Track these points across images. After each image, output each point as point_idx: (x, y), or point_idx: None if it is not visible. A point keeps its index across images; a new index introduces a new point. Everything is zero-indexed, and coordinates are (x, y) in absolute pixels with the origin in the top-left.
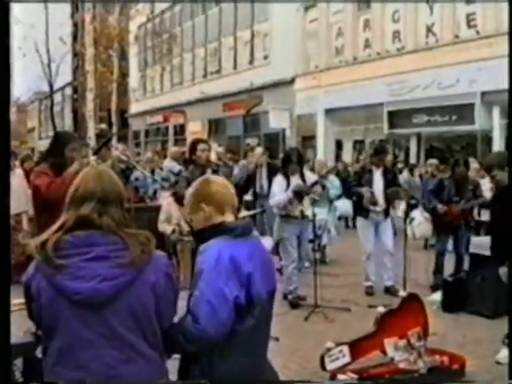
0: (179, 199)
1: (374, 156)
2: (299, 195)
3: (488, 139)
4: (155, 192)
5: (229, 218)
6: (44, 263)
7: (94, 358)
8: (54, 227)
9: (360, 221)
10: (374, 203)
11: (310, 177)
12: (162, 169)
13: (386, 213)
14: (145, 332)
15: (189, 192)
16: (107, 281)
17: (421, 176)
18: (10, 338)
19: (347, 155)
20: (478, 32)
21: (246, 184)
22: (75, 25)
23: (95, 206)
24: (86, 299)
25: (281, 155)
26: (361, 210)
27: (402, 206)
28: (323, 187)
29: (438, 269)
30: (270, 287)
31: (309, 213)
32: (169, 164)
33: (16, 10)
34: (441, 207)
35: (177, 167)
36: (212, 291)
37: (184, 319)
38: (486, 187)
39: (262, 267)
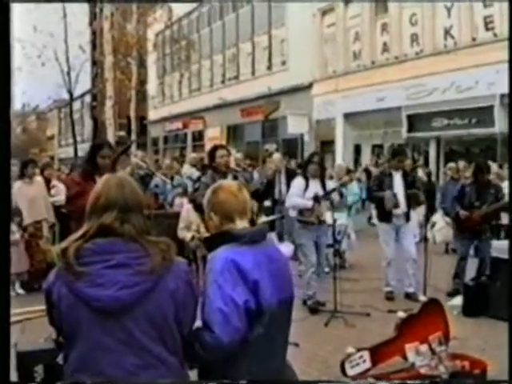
0: (198, 206)
1: (392, 159)
2: (317, 200)
3: (508, 142)
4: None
5: (240, 224)
6: (65, 270)
7: (113, 365)
8: (76, 235)
9: (381, 225)
10: (396, 205)
11: (330, 183)
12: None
13: (407, 216)
14: (164, 339)
15: (204, 201)
16: (127, 288)
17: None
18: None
19: (366, 160)
20: (495, 34)
21: (264, 190)
22: (94, 33)
23: (117, 215)
24: (105, 306)
25: (299, 160)
26: (383, 214)
27: (421, 210)
28: (341, 195)
29: (458, 274)
30: (282, 295)
31: (326, 218)
32: (187, 171)
33: (34, 18)
34: (463, 213)
35: (195, 174)
36: (221, 298)
37: (200, 328)
38: (506, 191)
39: (273, 275)
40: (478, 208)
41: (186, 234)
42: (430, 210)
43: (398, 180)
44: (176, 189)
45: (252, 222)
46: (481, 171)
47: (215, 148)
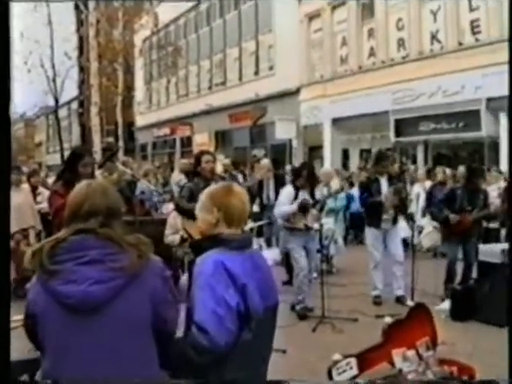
0: (182, 211)
1: (377, 164)
2: (304, 209)
3: (495, 146)
4: (155, 204)
5: (232, 230)
6: (39, 270)
7: (85, 366)
8: (50, 238)
9: (370, 230)
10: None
11: (319, 194)
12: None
13: (395, 220)
14: (138, 340)
15: (208, 191)
16: (99, 284)
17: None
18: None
19: (354, 164)
20: (479, 39)
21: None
22: (81, 39)
23: (100, 222)
24: (77, 303)
25: (287, 166)
26: (371, 219)
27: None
28: (321, 208)
29: (451, 279)
30: (268, 303)
31: (314, 225)
32: (176, 177)
33: (21, 25)
34: (453, 217)
35: (184, 180)
36: (214, 300)
37: (190, 332)
38: (493, 195)
39: (259, 282)
40: (468, 212)
41: (174, 238)
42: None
43: (384, 185)
44: (162, 196)
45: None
46: (474, 175)
47: (201, 153)
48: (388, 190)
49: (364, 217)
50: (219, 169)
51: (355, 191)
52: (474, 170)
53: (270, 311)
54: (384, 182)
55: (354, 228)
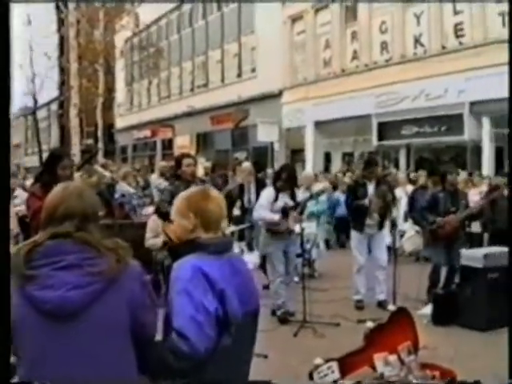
0: (162, 214)
1: (365, 169)
2: (285, 213)
3: (477, 150)
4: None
5: (210, 235)
6: (15, 274)
7: (63, 371)
8: (26, 242)
9: (355, 234)
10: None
11: (301, 196)
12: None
13: (380, 225)
14: (117, 344)
15: (184, 196)
16: (77, 289)
17: None
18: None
19: (336, 168)
20: (463, 43)
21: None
22: (61, 38)
23: (75, 225)
24: (54, 309)
25: (269, 170)
26: (356, 223)
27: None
28: (302, 211)
29: (435, 284)
30: (248, 308)
31: (295, 228)
32: (156, 181)
33: None
34: (440, 220)
35: (164, 184)
36: (193, 306)
37: (169, 338)
38: (473, 198)
39: (238, 287)
40: (453, 213)
41: (155, 241)
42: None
43: (371, 190)
44: (142, 199)
45: None
46: (447, 176)
47: (182, 156)
48: (372, 194)
49: (349, 220)
50: (200, 172)
51: (340, 195)
52: (444, 173)
53: (249, 316)
54: (371, 187)
55: (340, 232)
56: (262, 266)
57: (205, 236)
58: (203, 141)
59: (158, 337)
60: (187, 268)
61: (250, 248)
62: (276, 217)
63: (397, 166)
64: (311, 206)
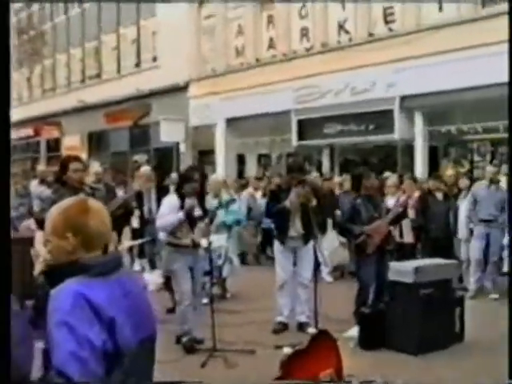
0: (42, 223)
1: (287, 175)
2: (191, 219)
3: (409, 149)
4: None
5: (93, 254)
6: None
7: None
8: None
9: (277, 245)
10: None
11: (211, 202)
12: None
13: (306, 238)
14: None
15: (59, 210)
16: None
17: None
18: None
19: (251, 171)
20: (393, 29)
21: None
22: None
23: None
24: None
25: (173, 174)
26: (278, 232)
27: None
28: (211, 221)
29: (364, 302)
30: (143, 334)
31: (202, 242)
32: (36, 189)
33: None
34: (367, 228)
35: (46, 192)
36: (75, 340)
37: (48, 376)
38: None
39: (131, 311)
40: (378, 219)
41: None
42: None
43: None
44: (18, 209)
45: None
46: (360, 182)
47: (68, 159)
48: (292, 194)
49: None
50: (91, 178)
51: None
52: (360, 175)
53: (145, 343)
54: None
55: (267, 245)
56: (167, 285)
57: (87, 256)
58: (96, 141)
59: (37, 374)
60: (67, 295)
61: (153, 266)
62: (180, 214)
63: (319, 168)
64: (221, 216)
